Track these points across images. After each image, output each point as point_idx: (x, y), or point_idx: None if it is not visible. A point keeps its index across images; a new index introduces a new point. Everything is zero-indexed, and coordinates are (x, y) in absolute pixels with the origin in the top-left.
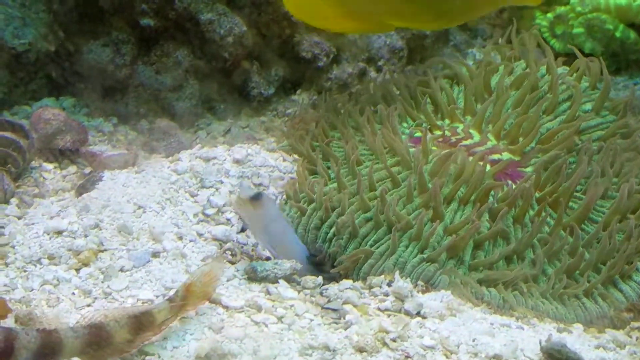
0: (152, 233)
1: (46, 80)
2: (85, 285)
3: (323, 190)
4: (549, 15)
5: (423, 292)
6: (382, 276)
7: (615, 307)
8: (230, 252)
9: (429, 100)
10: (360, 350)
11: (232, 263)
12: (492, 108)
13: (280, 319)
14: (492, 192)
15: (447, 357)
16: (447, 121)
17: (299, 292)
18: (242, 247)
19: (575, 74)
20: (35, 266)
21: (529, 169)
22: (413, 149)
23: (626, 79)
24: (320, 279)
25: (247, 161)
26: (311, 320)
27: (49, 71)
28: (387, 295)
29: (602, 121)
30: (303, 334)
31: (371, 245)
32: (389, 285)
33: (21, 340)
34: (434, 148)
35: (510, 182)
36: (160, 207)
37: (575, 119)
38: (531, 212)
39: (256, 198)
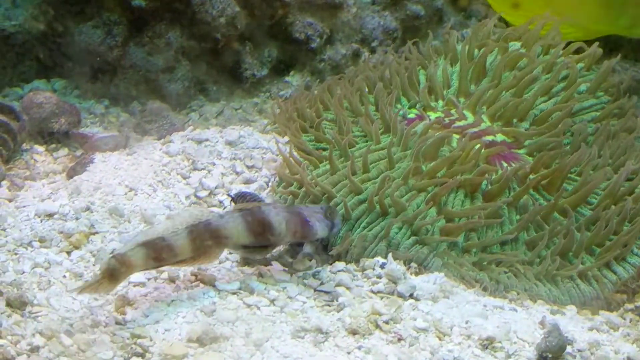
0: (144, 215)
1: (36, 62)
2: (77, 268)
3: (316, 173)
4: None
5: (416, 274)
6: (376, 258)
7: (609, 288)
8: None
9: (424, 81)
10: (353, 332)
11: None
12: (487, 89)
13: (272, 301)
14: (486, 175)
15: (439, 339)
16: (441, 102)
17: (291, 274)
18: None
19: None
20: (27, 249)
21: (522, 151)
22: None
23: (620, 60)
24: (313, 261)
25: (239, 143)
26: (304, 302)
27: (39, 53)
28: (380, 277)
29: (596, 102)
30: (295, 316)
31: (364, 228)
32: (382, 267)
33: None
34: (429, 131)
35: (505, 163)
36: (151, 189)
37: (570, 101)
38: (525, 196)
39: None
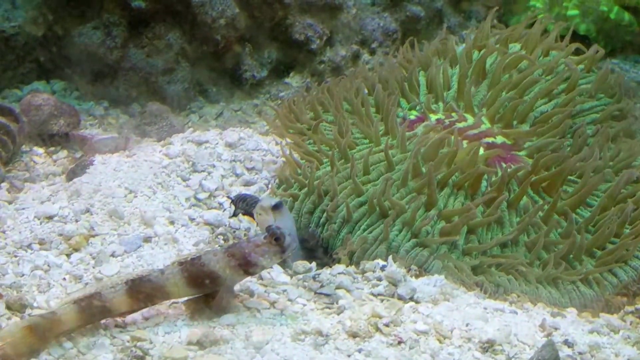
0: (144, 218)
1: (36, 63)
2: (76, 270)
3: (316, 174)
4: None
5: (416, 276)
6: (376, 260)
7: (610, 291)
8: (222, 237)
9: (424, 83)
10: (353, 335)
11: None
12: (486, 91)
13: (272, 304)
14: (486, 177)
15: (440, 342)
16: (441, 104)
17: (291, 277)
18: (234, 231)
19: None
20: (26, 251)
21: (522, 153)
22: (409, 132)
23: (620, 61)
24: (314, 264)
25: (239, 145)
26: (304, 305)
27: (39, 54)
28: (380, 279)
29: (597, 104)
30: (296, 319)
31: (364, 230)
32: (382, 269)
33: None
34: (431, 133)
35: (504, 165)
36: (151, 191)
37: (570, 103)
38: (525, 198)
39: (277, 207)
